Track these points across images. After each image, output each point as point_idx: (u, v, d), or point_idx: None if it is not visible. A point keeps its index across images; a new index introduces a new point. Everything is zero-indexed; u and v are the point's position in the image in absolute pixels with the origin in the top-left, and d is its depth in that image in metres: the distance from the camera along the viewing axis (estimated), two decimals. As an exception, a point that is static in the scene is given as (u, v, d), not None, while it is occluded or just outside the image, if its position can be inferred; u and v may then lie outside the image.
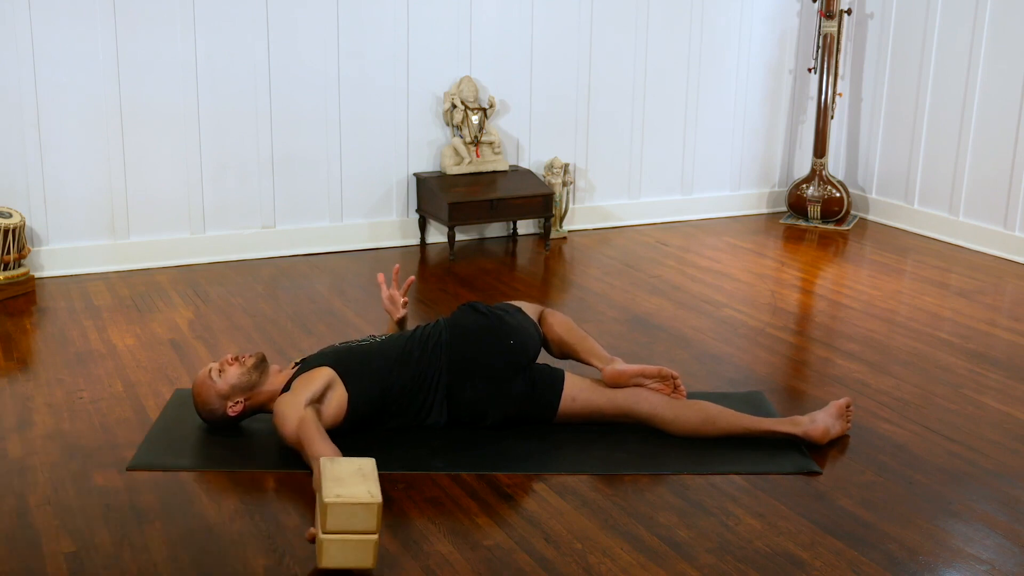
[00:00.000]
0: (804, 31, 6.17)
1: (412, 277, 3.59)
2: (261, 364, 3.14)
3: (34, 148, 4.70)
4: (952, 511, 2.85)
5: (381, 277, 3.48)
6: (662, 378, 3.22)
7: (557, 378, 3.24)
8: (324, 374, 3.07)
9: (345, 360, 3.12)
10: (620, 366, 3.22)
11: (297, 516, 2.76)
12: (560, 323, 3.33)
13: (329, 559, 2.45)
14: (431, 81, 5.38)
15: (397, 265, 3.55)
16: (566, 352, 3.33)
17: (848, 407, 3.27)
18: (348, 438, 3.07)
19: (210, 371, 3.13)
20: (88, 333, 4.10)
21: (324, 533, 2.43)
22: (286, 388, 3.09)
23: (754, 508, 2.84)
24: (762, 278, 5.01)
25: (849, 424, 3.26)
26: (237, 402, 3.11)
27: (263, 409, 3.16)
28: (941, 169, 5.74)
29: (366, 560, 2.47)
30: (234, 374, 3.11)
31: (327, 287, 4.77)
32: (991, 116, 5.44)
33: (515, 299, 3.59)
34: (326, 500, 2.40)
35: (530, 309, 3.37)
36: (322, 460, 2.57)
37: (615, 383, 3.22)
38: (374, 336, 3.29)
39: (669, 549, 2.63)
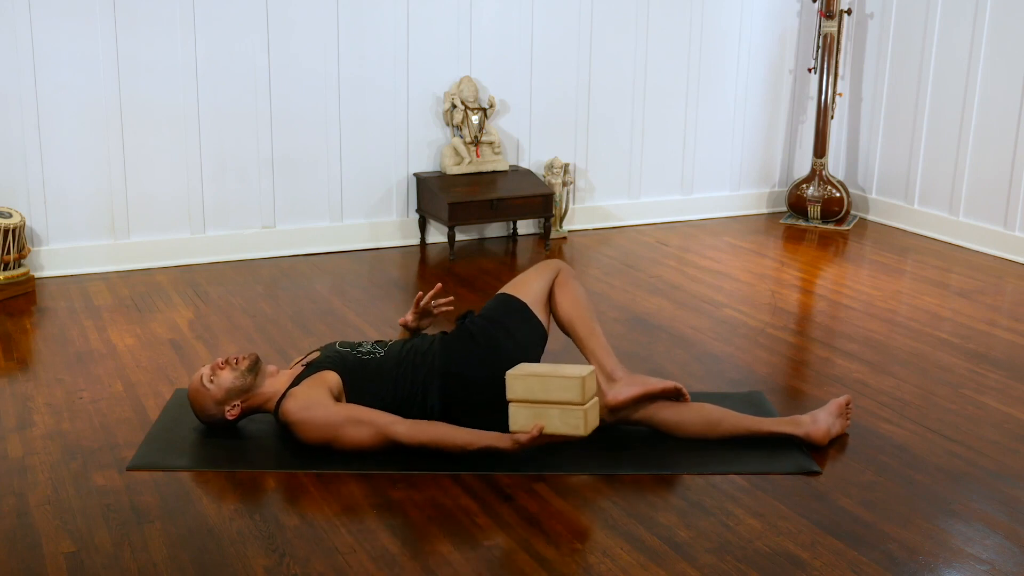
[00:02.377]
0: (804, 31, 6.17)
1: (451, 298, 3.51)
2: (255, 366, 3.10)
3: (34, 148, 4.70)
4: (952, 511, 2.85)
5: (421, 296, 3.39)
6: (666, 393, 3.17)
7: None
8: (336, 381, 3.05)
9: (350, 373, 3.08)
10: (622, 394, 3.12)
11: (297, 516, 2.76)
12: (569, 305, 3.22)
13: (590, 424, 2.87)
14: (431, 81, 5.38)
15: (439, 284, 3.45)
16: (570, 336, 3.26)
17: (848, 404, 3.26)
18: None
19: (202, 377, 3.09)
20: (88, 333, 4.10)
21: (582, 404, 2.83)
22: (292, 385, 3.09)
23: (754, 508, 2.84)
24: (762, 278, 5.01)
25: (848, 422, 3.26)
26: (234, 406, 3.09)
27: (261, 409, 3.14)
28: (941, 169, 5.74)
29: (597, 418, 2.94)
30: (228, 378, 3.07)
31: (327, 287, 4.77)
32: (991, 116, 5.44)
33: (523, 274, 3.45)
34: (582, 374, 2.83)
35: (541, 280, 3.26)
36: (509, 373, 2.90)
37: (616, 408, 3.15)
38: (377, 346, 3.20)
39: (669, 549, 2.63)
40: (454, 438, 2.95)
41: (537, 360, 3.21)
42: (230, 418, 3.10)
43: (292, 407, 3.00)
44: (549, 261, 3.36)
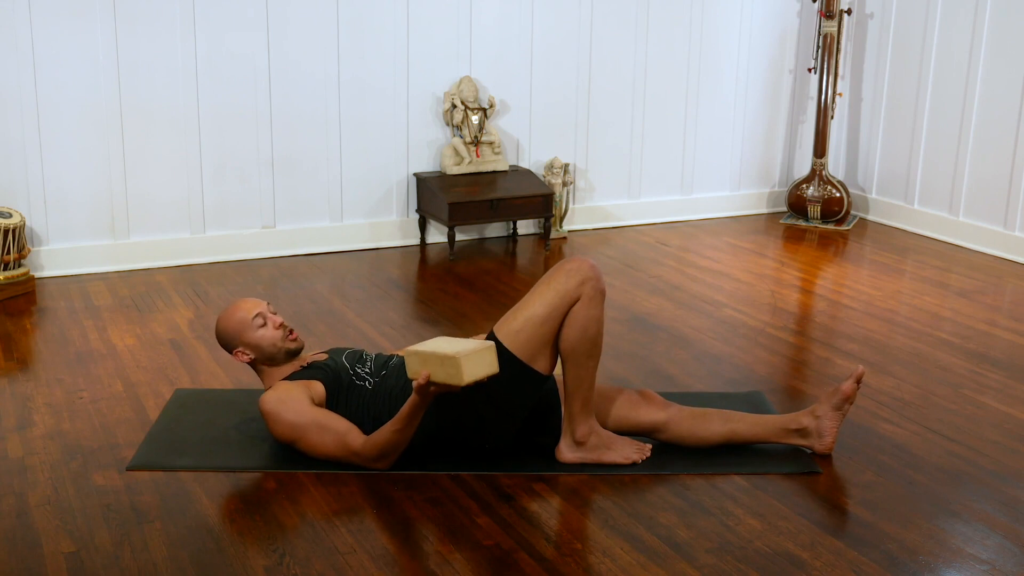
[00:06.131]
0: (804, 31, 6.17)
1: None
2: (295, 354, 3.11)
3: (34, 148, 4.70)
4: (952, 511, 2.85)
5: None
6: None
7: (553, 421, 3.09)
8: (320, 392, 3.02)
9: (337, 389, 3.04)
10: (567, 457, 3.02)
11: (297, 516, 2.76)
12: (572, 342, 2.89)
13: (470, 372, 2.69)
14: (431, 81, 5.38)
15: None
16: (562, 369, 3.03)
17: (859, 381, 3.05)
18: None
19: (257, 315, 3.06)
20: (88, 333, 4.10)
21: (462, 372, 2.69)
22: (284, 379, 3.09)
23: (754, 508, 2.84)
24: (762, 278, 5.01)
25: (856, 393, 3.09)
26: (248, 355, 3.08)
27: (259, 374, 3.13)
28: (941, 169, 5.74)
29: (490, 364, 2.74)
30: (269, 340, 3.06)
31: (327, 287, 4.77)
32: (991, 116, 5.44)
33: (516, 300, 3.15)
34: (463, 352, 2.70)
35: (555, 311, 2.89)
36: (407, 349, 2.80)
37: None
38: (372, 373, 3.09)
39: (669, 549, 2.63)
40: (392, 432, 2.86)
41: (523, 414, 3.04)
42: (235, 357, 3.09)
43: (269, 398, 3.00)
44: (576, 271, 2.91)
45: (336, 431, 2.95)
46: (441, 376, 2.73)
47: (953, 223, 5.67)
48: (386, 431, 2.89)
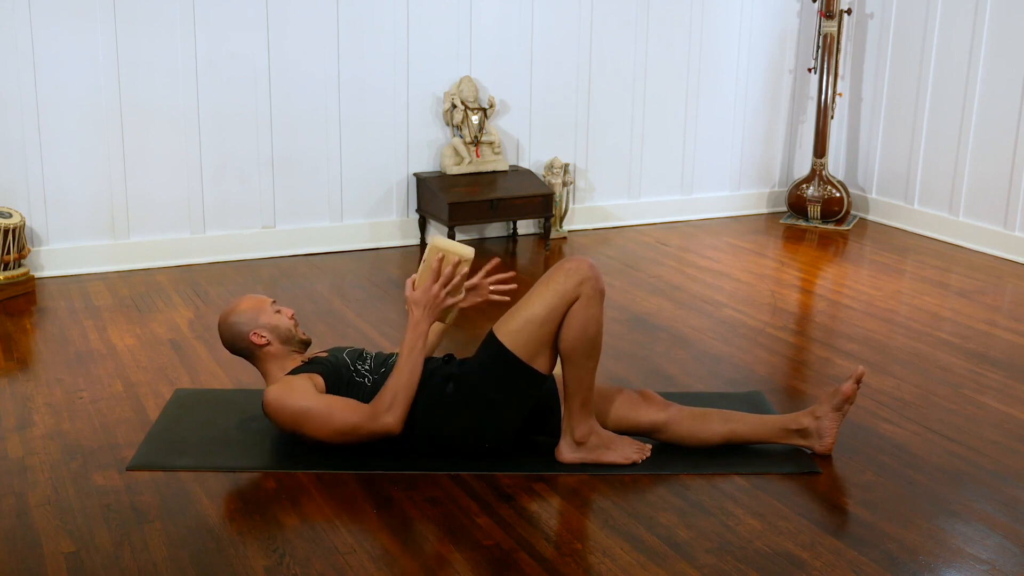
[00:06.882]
0: (804, 31, 6.17)
1: (513, 286, 3.21)
2: (302, 344, 3.15)
3: (34, 148, 4.70)
4: (952, 511, 2.85)
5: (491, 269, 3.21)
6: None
7: (553, 421, 3.09)
8: (321, 385, 3.02)
9: (336, 384, 3.04)
10: (567, 457, 3.02)
11: (297, 516, 2.76)
12: (571, 342, 2.88)
13: (443, 245, 2.95)
14: (431, 81, 5.38)
15: (497, 259, 3.20)
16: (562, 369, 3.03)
17: (859, 382, 3.05)
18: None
19: (273, 301, 3.17)
20: (88, 333, 4.10)
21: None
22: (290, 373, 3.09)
23: (754, 508, 2.84)
24: (762, 278, 5.01)
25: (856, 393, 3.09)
26: (264, 338, 3.08)
27: (263, 368, 3.13)
28: (941, 169, 5.74)
29: (465, 251, 2.98)
30: (284, 325, 3.11)
31: (327, 287, 4.77)
32: (991, 116, 5.44)
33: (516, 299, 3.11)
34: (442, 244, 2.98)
35: (555, 310, 2.89)
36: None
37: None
38: (371, 371, 3.09)
39: (669, 549, 2.64)
40: (396, 371, 2.93)
41: (522, 414, 3.04)
42: (253, 338, 3.08)
43: (274, 389, 3.00)
44: (574, 270, 2.90)
45: (341, 406, 2.95)
46: (423, 271, 2.93)
47: (953, 223, 5.67)
48: (391, 377, 2.94)
